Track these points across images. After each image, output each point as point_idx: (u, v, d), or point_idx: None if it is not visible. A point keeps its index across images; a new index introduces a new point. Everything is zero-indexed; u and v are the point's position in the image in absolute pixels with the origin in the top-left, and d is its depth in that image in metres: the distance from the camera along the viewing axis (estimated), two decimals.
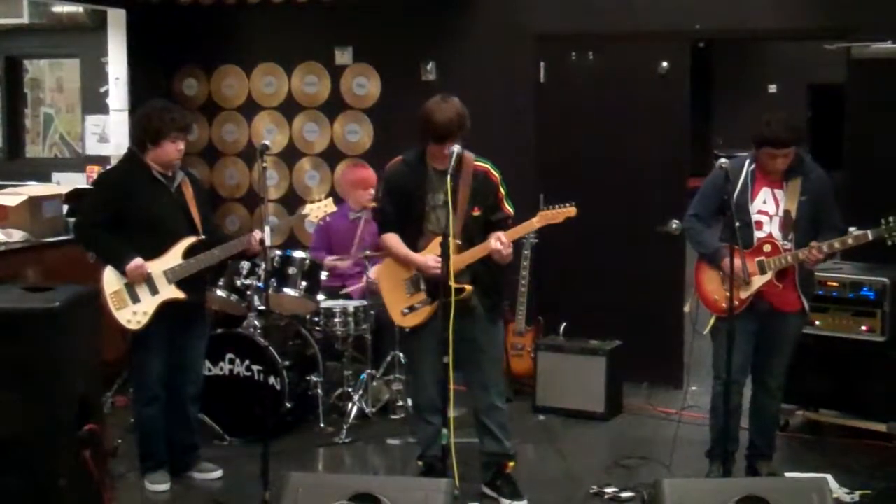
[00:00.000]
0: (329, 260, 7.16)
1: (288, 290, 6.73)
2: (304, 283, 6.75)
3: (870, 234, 5.32)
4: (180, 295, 5.67)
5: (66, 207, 7.78)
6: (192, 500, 5.83)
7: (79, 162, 9.27)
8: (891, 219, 5.26)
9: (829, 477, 5.23)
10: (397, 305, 5.57)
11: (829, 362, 6.52)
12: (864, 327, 6.40)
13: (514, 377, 7.46)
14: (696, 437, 6.27)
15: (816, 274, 5.92)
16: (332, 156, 8.66)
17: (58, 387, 4.43)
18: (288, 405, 6.59)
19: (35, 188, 8.07)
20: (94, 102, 9.12)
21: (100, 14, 8.84)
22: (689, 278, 6.37)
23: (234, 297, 6.68)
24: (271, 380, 6.49)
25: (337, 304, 6.97)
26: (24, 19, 9.27)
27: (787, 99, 13.45)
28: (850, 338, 6.44)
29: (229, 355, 6.59)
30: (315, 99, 8.67)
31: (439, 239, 5.27)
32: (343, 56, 8.53)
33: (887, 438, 6.43)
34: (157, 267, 5.63)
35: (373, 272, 6.61)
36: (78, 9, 8.96)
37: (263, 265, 5.84)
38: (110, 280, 5.62)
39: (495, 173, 5.48)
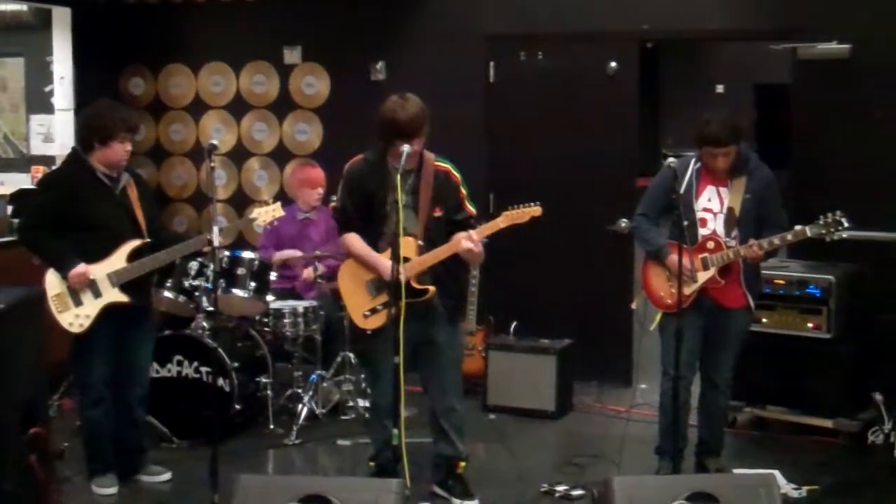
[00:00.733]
0: (277, 254, 7.14)
1: (237, 291, 6.68)
2: (253, 284, 6.71)
3: (808, 231, 5.37)
4: (123, 298, 5.61)
5: (10, 208, 7.68)
6: (139, 503, 5.77)
7: (23, 162, 9.15)
8: (829, 216, 5.31)
9: (776, 473, 5.27)
10: (359, 307, 5.52)
11: (776, 359, 6.59)
12: (810, 324, 6.47)
13: (464, 377, 7.43)
14: (645, 435, 6.31)
15: (763, 272, 5.98)
16: (281, 155, 8.63)
17: (2, 390, 4.36)
18: (237, 407, 6.55)
19: None
20: (39, 102, 9.00)
21: (44, 12, 8.73)
22: (637, 277, 6.40)
23: (182, 299, 6.62)
24: (220, 381, 6.44)
25: (286, 304, 6.94)
26: None
27: (734, 99, 13.56)
28: (796, 335, 6.51)
29: (177, 357, 6.54)
30: (264, 98, 8.63)
31: (401, 239, 5.28)
32: (292, 55, 8.50)
33: (834, 434, 6.51)
34: (100, 270, 5.57)
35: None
36: (22, 7, 8.86)
37: (212, 266, 5.80)
38: (52, 283, 5.57)
39: (456, 174, 5.48)
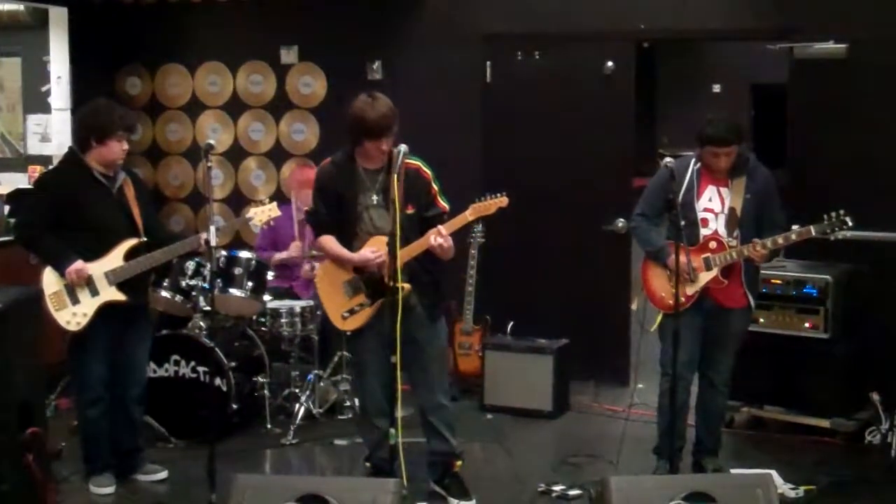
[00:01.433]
0: (277, 255, 7.14)
1: (234, 291, 6.68)
2: (249, 284, 6.71)
3: (812, 230, 5.38)
4: (121, 297, 5.61)
5: (7, 208, 7.67)
6: (137, 502, 5.76)
7: (20, 162, 9.13)
8: (833, 214, 5.33)
9: (773, 473, 5.27)
10: (337, 309, 5.52)
11: (774, 359, 6.60)
12: (807, 324, 6.47)
13: (461, 376, 7.47)
14: (643, 435, 6.31)
15: (761, 272, 5.98)
16: (277, 155, 8.62)
17: None
18: (234, 406, 6.55)
19: None
20: (36, 101, 8.99)
21: (41, 12, 8.72)
22: (635, 277, 6.41)
23: (179, 298, 6.62)
24: (217, 381, 6.44)
25: (283, 304, 6.93)
26: None
27: (730, 99, 13.55)
28: (793, 335, 6.51)
29: (174, 357, 6.53)
30: (260, 98, 8.63)
31: (375, 238, 5.33)
32: (289, 55, 8.49)
33: (831, 434, 6.51)
34: (97, 269, 5.58)
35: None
36: (19, 7, 8.84)
37: (209, 266, 5.80)
38: (50, 281, 5.57)
39: (426, 170, 5.46)
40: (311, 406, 6.91)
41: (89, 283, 5.57)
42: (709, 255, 5.56)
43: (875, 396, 6.49)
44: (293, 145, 8.56)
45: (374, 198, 5.38)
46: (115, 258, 5.62)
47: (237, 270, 6.69)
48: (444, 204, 5.48)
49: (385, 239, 5.27)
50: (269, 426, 6.77)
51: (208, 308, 6.33)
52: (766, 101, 10.99)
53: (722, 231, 5.59)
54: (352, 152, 5.43)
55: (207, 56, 8.72)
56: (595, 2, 7.66)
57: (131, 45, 8.85)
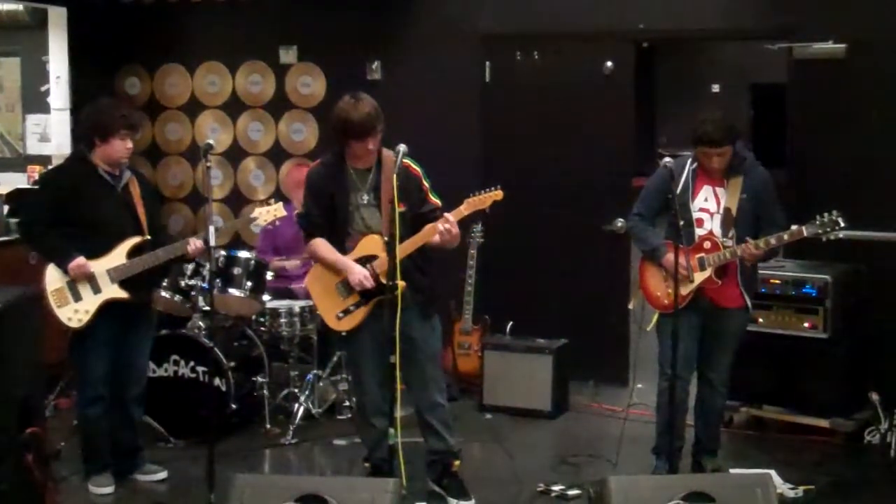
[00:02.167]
0: (276, 261, 7.13)
1: (233, 291, 6.69)
2: (249, 284, 6.71)
3: (804, 231, 5.37)
4: (123, 294, 5.62)
5: (6, 208, 7.67)
6: (136, 502, 5.77)
7: (19, 162, 9.14)
8: (825, 215, 5.31)
9: (772, 472, 5.25)
10: (331, 310, 5.51)
11: (773, 359, 6.59)
12: (806, 324, 6.47)
13: (460, 376, 7.47)
14: (642, 435, 6.31)
15: (759, 272, 5.98)
16: (277, 155, 8.62)
17: None
18: (233, 406, 6.55)
19: None
20: (35, 101, 8.99)
21: (40, 12, 8.72)
22: (634, 277, 6.41)
23: (178, 298, 6.61)
24: (216, 381, 6.44)
25: (282, 304, 6.93)
26: None
27: (730, 98, 13.56)
28: (792, 335, 6.51)
29: (174, 357, 6.54)
30: (259, 98, 8.62)
31: (367, 238, 5.31)
32: (288, 55, 8.49)
33: (830, 434, 6.51)
34: (100, 266, 5.58)
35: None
36: (18, 7, 8.84)
37: (208, 266, 5.80)
38: (52, 277, 5.58)
39: (416, 168, 5.44)
40: (311, 406, 6.91)
41: (91, 280, 5.57)
42: (703, 254, 5.55)
43: (874, 396, 6.49)
44: (292, 145, 8.55)
45: (365, 197, 5.39)
46: (118, 256, 5.62)
47: (236, 270, 6.69)
48: (436, 200, 5.48)
49: (377, 237, 5.27)
50: (268, 426, 6.77)
51: (207, 308, 6.33)
52: (765, 101, 10.99)
53: (717, 231, 5.58)
54: (341, 153, 5.44)
55: (207, 56, 8.72)
56: (594, 2, 7.66)
57: (130, 45, 8.84)
